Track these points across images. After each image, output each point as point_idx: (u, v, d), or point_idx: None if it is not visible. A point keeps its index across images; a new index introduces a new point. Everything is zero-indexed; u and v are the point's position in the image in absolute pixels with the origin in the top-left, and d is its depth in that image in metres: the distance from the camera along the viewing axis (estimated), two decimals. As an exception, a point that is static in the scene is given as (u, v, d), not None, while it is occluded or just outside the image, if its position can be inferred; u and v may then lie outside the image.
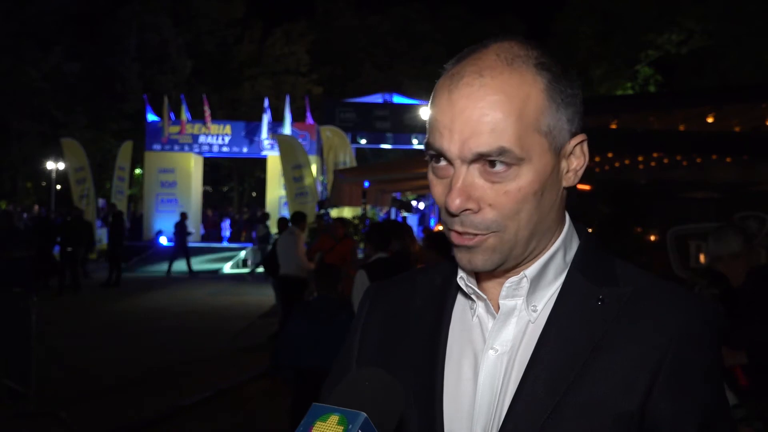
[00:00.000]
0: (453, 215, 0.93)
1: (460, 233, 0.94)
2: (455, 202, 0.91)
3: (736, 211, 6.81)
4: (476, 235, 0.93)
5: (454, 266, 1.07)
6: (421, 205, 29.22)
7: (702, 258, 6.81)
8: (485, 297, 1.00)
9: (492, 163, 0.90)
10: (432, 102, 0.96)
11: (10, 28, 27.06)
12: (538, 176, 0.92)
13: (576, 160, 0.98)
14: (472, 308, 1.03)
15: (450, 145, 0.91)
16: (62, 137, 23.06)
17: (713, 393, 0.95)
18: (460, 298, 1.06)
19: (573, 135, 0.96)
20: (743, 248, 3.26)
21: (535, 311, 0.98)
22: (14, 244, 7.42)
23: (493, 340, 0.98)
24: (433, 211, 25.36)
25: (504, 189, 0.91)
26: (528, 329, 0.97)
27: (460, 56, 0.96)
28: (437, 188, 0.96)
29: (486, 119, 0.89)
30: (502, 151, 0.89)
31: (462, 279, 1.02)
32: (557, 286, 0.99)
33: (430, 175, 0.98)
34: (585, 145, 0.98)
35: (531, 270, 0.98)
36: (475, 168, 0.91)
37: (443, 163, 0.94)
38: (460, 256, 0.96)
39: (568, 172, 0.98)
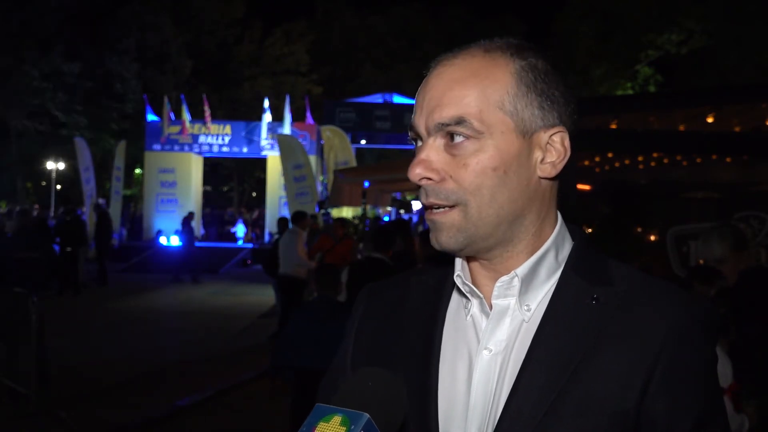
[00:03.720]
0: (419, 186, 0.97)
1: (426, 205, 0.97)
2: (414, 171, 0.95)
3: (736, 211, 6.81)
4: (440, 206, 0.95)
5: (449, 267, 1.07)
6: (419, 205, 29.25)
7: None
8: (481, 295, 1.00)
9: (452, 136, 0.94)
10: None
11: (10, 28, 27.05)
12: (499, 153, 0.94)
13: (556, 152, 0.98)
14: (466, 307, 1.03)
15: (419, 119, 0.97)
16: (75, 137, 23.11)
17: (708, 390, 0.95)
18: (454, 297, 1.06)
19: (549, 126, 0.97)
20: (728, 254, 3.30)
21: (528, 310, 0.98)
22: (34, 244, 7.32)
23: (487, 340, 0.98)
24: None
25: (463, 161, 0.94)
26: (522, 329, 0.97)
27: (445, 53, 1.01)
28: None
29: (449, 93, 0.94)
30: (459, 121, 0.93)
31: (459, 277, 1.02)
32: (551, 286, 0.99)
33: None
34: (566, 139, 0.98)
35: (522, 269, 0.98)
36: (440, 142, 0.95)
37: (419, 144, 0.99)
38: (431, 236, 0.99)
39: (543, 162, 0.97)
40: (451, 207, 0.95)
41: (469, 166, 0.93)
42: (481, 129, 0.93)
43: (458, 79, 0.94)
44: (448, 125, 0.93)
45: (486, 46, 0.97)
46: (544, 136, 0.97)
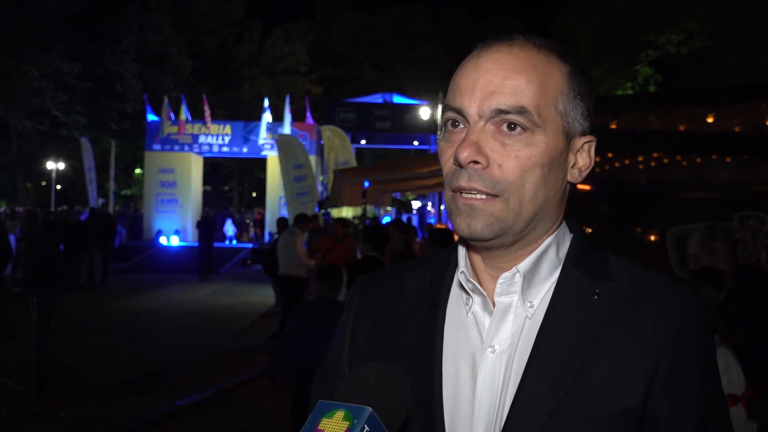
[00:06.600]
0: (460, 166, 0.93)
1: (465, 188, 0.93)
2: (464, 152, 0.91)
3: (736, 211, 6.81)
4: (480, 193, 0.92)
5: (446, 262, 1.07)
6: (418, 204, 29.20)
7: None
8: (485, 293, 0.99)
9: (509, 126, 0.92)
10: (457, 70, 0.98)
11: (9, 28, 27.05)
12: (549, 150, 0.94)
13: (582, 159, 1.00)
14: (467, 304, 1.02)
15: (470, 102, 0.94)
16: (81, 137, 23.11)
17: (711, 386, 0.96)
18: (453, 294, 1.05)
19: (583, 133, 0.99)
20: (700, 251, 3.33)
21: (531, 307, 0.97)
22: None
23: (491, 339, 0.97)
24: (431, 212, 25.35)
25: (516, 153, 0.93)
26: (525, 326, 0.97)
27: (490, 39, 1.00)
28: (447, 153, 0.97)
29: (509, 82, 0.93)
30: (521, 110, 0.92)
31: (463, 273, 1.01)
32: (552, 282, 0.99)
33: (441, 144, 0.99)
34: (593, 148, 1.01)
35: (524, 264, 0.97)
36: (490, 127, 0.93)
37: (459, 127, 0.96)
38: (459, 221, 0.95)
39: (574, 167, 0.99)
40: (493, 196, 0.93)
41: (521, 158, 0.92)
42: (538, 122, 0.92)
43: (518, 69, 0.93)
44: (507, 113, 0.92)
45: (534, 41, 0.97)
46: (578, 143, 0.99)
